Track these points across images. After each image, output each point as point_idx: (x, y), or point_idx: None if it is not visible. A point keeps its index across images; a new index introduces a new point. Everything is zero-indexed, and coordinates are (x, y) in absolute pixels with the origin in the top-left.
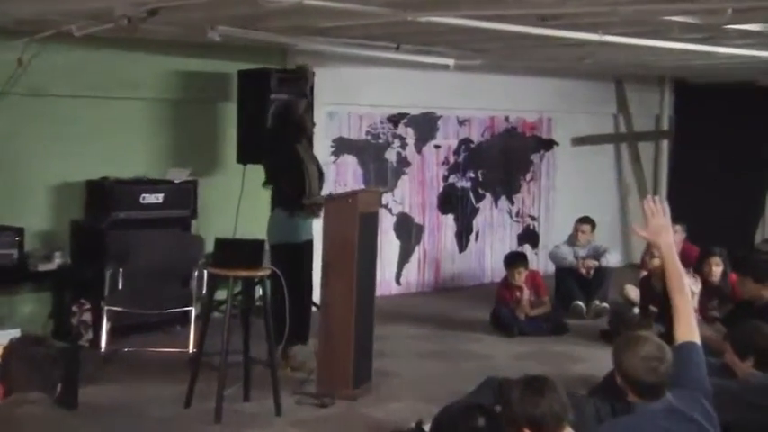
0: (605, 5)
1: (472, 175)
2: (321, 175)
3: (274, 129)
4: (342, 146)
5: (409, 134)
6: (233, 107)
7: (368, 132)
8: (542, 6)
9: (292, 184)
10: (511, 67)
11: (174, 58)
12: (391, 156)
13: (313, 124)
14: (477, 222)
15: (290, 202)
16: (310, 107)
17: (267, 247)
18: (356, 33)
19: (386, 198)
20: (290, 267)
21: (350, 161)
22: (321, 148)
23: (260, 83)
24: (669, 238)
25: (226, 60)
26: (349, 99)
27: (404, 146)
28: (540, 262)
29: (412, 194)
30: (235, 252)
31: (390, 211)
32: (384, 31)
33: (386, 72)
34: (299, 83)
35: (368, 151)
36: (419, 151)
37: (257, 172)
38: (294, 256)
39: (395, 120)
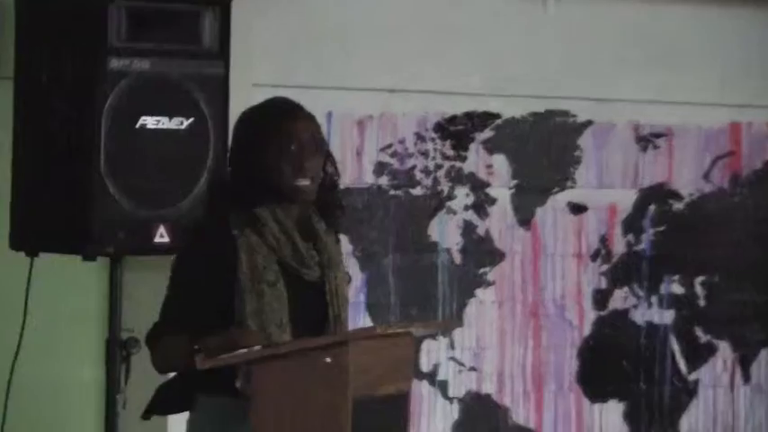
0: None
1: (680, 289)
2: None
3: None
4: None
5: (499, 171)
6: (4, 91)
7: (383, 167)
8: None
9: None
10: None
11: None
12: (448, 233)
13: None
14: (697, 426)
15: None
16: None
17: None
18: None
19: (433, 351)
20: None
21: None
22: None
23: (79, 25)
24: None
25: None
26: (328, 75)
27: (482, 205)
28: None
29: (504, 342)
30: None
31: (444, 388)
32: None
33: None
34: (193, 28)
35: (381, 219)
36: (526, 220)
37: (73, 271)
38: None
39: (458, 131)
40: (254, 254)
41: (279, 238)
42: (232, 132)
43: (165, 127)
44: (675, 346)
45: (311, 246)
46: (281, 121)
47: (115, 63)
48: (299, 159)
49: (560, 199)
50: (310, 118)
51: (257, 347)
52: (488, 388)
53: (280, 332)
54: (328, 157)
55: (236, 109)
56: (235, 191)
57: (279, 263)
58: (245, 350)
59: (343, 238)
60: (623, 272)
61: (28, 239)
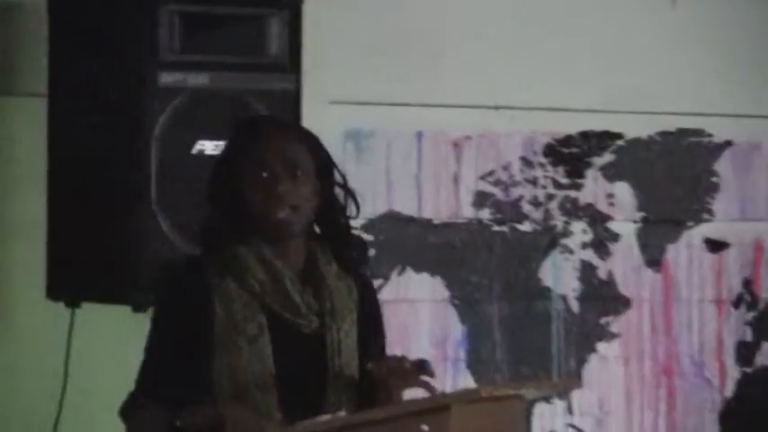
0: None
1: None
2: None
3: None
4: (395, 240)
5: (622, 202)
6: (36, 108)
7: (484, 197)
8: None
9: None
10: None
11: None
12: (564, 276)
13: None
14: None
15: None
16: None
17: None
18: None
19: (547, 417)
20: None
21: (422, 290)
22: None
23: (124, 34)
24: None
25: None
26: (418, 89)
27: (602, 242)
28: None
29: (631, 405)
30: None
31: None
32: None
33: None
34: (258, 35)
35: (483, 260)
36: (655, 260)
37: (120, 324)
38: None
39: (572, 155)
40: (232, 303)
41: (263, 282)
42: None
43: None
44: None
45: (310, 291)
46: (251, 146)
47: (167, 78)
48: (271, 187)
49: (696, 234)
50: (290, 138)
51: (342, 413)
52: None
53: (262, 395)
54: (331, 183)
55: (310, 122)
56: (214, 229)
57: (266, 312)
58: (326, 417)
59: (440, 283)
60: None
61: (67, 288)
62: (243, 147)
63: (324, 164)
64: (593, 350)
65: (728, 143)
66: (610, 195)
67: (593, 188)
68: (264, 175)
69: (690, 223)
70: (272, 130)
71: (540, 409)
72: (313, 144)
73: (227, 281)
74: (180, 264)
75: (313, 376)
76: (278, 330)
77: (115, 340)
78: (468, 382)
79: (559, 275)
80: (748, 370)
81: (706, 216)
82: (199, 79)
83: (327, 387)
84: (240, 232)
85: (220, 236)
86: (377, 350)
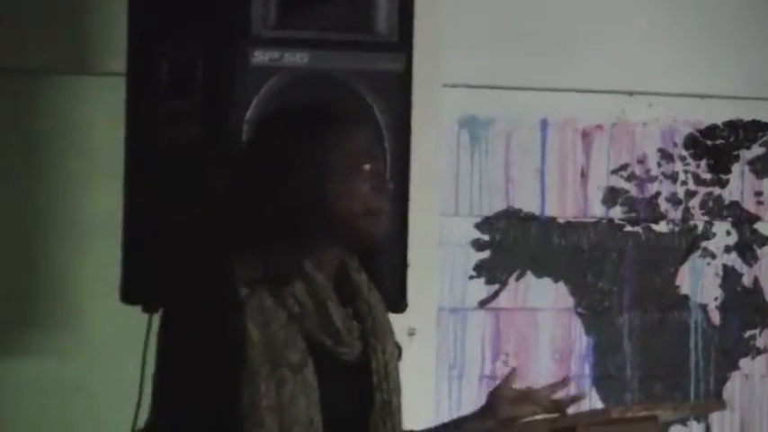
0: None
1: None
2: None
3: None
4: (514, 241)
5: None
6: (113, 88)
7: (616, 194)
8: None
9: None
10: None
11: None
12: (704, 283)
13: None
14: None
15: None
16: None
17: None
18: None
19: None
20: None
21: (543, 298)
22: (440, 243)
23: (213, 8)
24: None
25: None
26: (542, 72)
27: (749, 245)
28: None
29: None
30: None
31: None
32: None
33: None
34: (365, 10)
35: (614, 264)
36: None
37: None
38: None
39: (717, 147)
40: (270, 324)
41: (303, 303)
42: (247, 152)
43: None
44: None
45: (349, 312)
46: (343, 130)
47: (261, 57)
48: (379, 186)
49: None
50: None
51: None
52: None
53: None
54: None
55: (420, 117)
56: (253, 233)
57: (305, 337)
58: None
59: (563, 290)
60: None
61: (144, 291)
62: (328, 133)
63: None
64: (736, 367)
65: None
66: (758, 193)
67: (740, 185)
68: (367, 167)
69: None
70: (353, 116)
71: None
72: None
73: (260, 293)
74: (201, 275)
75: (359, 411)
76: (319, 359)
77: None
78: (594, 401)
79: (699, 282)
80: None
81: None
82: (296, 58)
83: (374, 423)
84: (289, 236)
85: (260, 241)
86: None
